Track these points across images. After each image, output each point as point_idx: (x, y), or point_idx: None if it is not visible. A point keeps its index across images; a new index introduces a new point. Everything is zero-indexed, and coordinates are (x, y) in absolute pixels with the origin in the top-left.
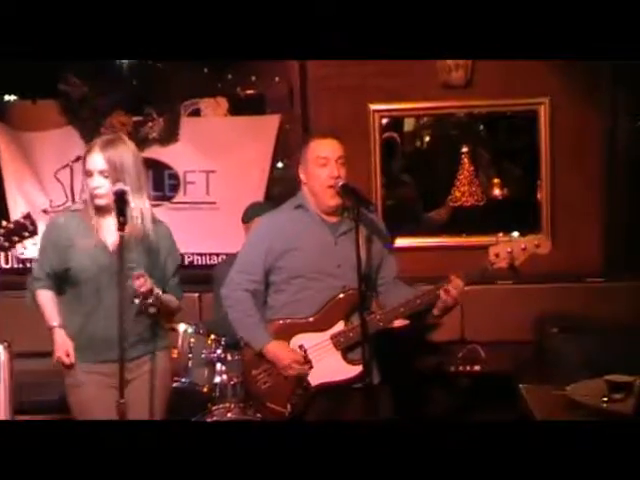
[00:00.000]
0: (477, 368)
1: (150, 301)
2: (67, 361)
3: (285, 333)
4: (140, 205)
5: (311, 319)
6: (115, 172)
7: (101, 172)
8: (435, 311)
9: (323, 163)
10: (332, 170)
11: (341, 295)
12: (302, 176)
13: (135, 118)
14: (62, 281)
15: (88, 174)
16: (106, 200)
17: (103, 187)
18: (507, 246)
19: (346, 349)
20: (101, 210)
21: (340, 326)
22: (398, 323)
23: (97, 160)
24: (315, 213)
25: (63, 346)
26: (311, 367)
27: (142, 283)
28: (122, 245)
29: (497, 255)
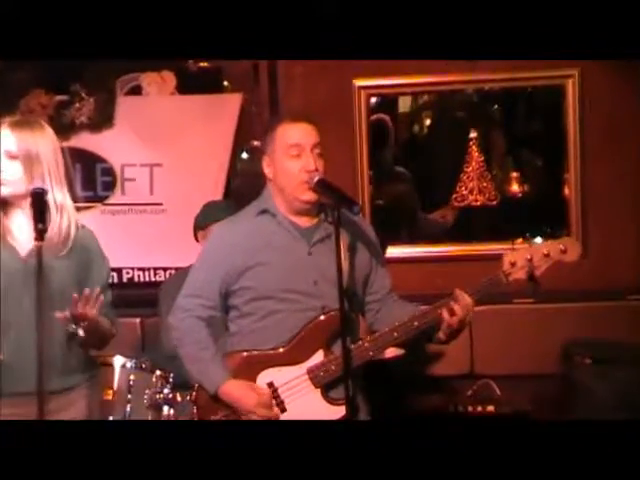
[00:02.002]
0: (490, 409)
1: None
2: None
3: (250, 368)
4: (63, 205)
5: (282, 349)
6: (30, 161)
7: (8, 153)
8: (440, 335)
9: (295, 153)
10: (307, 162)
11: (319, 318)
12: (267, 170)
13: (58, 98)
14: None
15: None
16: (11, 189)
17: (8, 172)
18: (526, 253)
19: (327, 386)
20: (6, 204)
21: (319, 357)
22: (391, 353)
23: (5, 139)
24: (284, 217)
25: None
26: (284, 410)
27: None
28: (41, 257)
29: (513, 264)
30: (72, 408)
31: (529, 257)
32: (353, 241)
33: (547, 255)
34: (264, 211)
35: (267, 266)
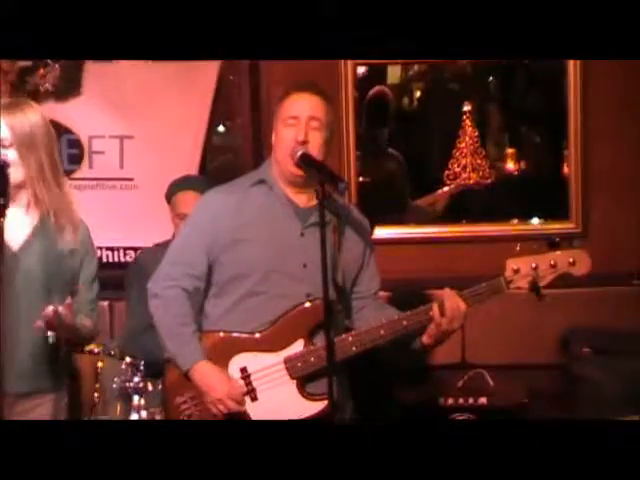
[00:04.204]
0: (483, 400)
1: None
2: None
3: (225, 350)
4: (56, 190)
5: (261, 334)
6: (25, 148)
7: (2, 141)
8: (424, 338)
9: (291, 122)
10: (298, 132)
11: (303, 305)
12: (273, 139)
13: (21, 63)
14: None
15: None
16: None
17: None
18: (531, 261)
19: (304, 378)
20: None
21: (299, 347)
22: None
23: None
24: (281, 192)
25: None
26: (255, 398)
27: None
28: (3, 235)
29: (517, 271)
30: (32, 414)
31: (534, 266)
32: (347, 232)
33: (554, 266)
34: (261, 181)
35: (255, 242)
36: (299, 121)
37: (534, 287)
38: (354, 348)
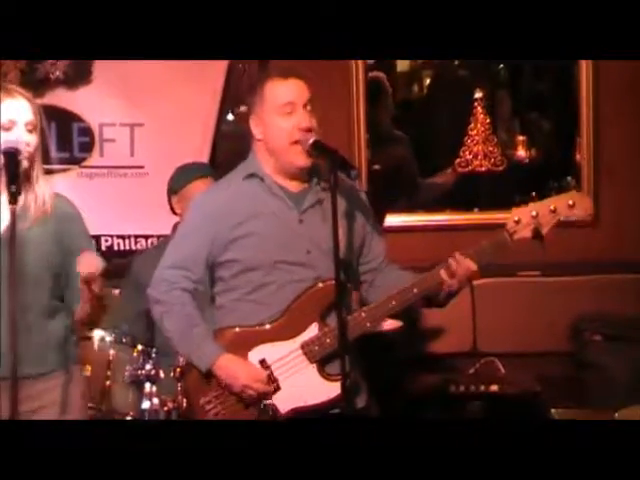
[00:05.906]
0: (494, 388)
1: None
2: None
3: (242, 345)
4: (41, 174)
5: (275, 324)
6: (37, 131)
7: (28, 125)
8: (439, 298)
9: (288, 111)
10: (300, 119)
11: (313, 289)
12: (255, 131)
13: None
14: None
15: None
16: (27, 164)
17: (30, 145)
18: (531, 209)
19: (323, 361)
20: None
21: (313, 330)
22: (389, 325)
23: (25, 109)
24: (273, 182)
25: None
26: (278, 387)
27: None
28: (15, 223)
29: (518, 221)
30: (46, 396)
31: (534, 214)
32: (346, 208)
33: (554, 211)
34: (251, 175)
35: (256, 236)
36: (297, 108)
37: (537, 235)
38: (368, 324)
